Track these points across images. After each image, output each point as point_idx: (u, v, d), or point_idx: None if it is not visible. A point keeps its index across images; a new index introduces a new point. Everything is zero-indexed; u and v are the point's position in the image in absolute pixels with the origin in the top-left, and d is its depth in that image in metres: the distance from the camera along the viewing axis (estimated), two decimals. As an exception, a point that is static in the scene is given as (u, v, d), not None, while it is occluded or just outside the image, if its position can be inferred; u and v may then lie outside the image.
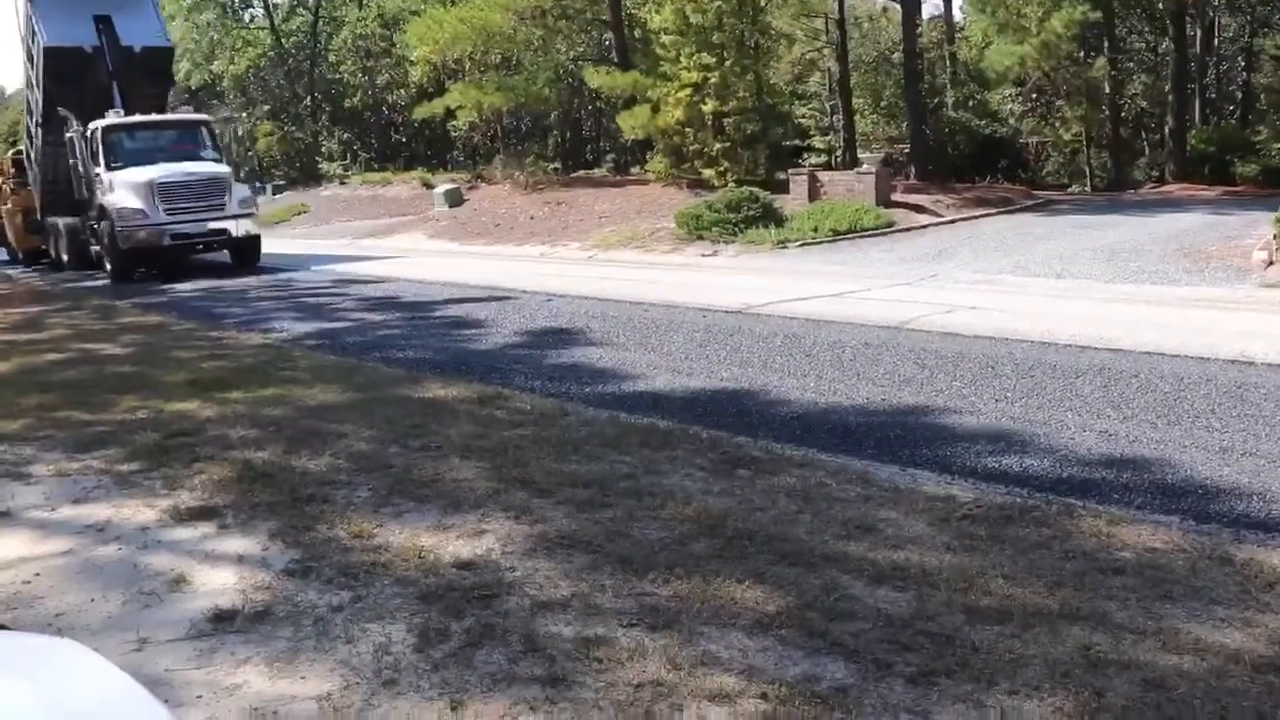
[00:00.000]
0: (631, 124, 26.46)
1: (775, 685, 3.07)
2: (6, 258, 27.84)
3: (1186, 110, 29.53)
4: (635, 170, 33.15)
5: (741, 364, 8.60)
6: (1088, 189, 29.63)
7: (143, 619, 3.71)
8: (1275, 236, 12.83)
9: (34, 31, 21.43)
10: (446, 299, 13.99)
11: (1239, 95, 33.50)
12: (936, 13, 34.88)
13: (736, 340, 9.69)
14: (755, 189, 20.89)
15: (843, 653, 3.27)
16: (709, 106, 23.77)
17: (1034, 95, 31.58)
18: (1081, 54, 29.53)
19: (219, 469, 5.55)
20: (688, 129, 24.47)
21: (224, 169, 20.76)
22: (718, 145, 24.03)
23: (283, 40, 48.70)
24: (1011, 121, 31.93)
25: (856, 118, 32.12)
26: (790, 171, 23.20)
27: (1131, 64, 33.28)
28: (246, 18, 51.58)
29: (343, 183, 41.22)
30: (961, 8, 32.11)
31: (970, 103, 30.54)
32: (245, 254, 20.42)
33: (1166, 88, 30.14)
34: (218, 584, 4.01)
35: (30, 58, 22.36)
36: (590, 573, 3.96)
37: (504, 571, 4.01)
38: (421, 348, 10.20)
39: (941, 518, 4.51)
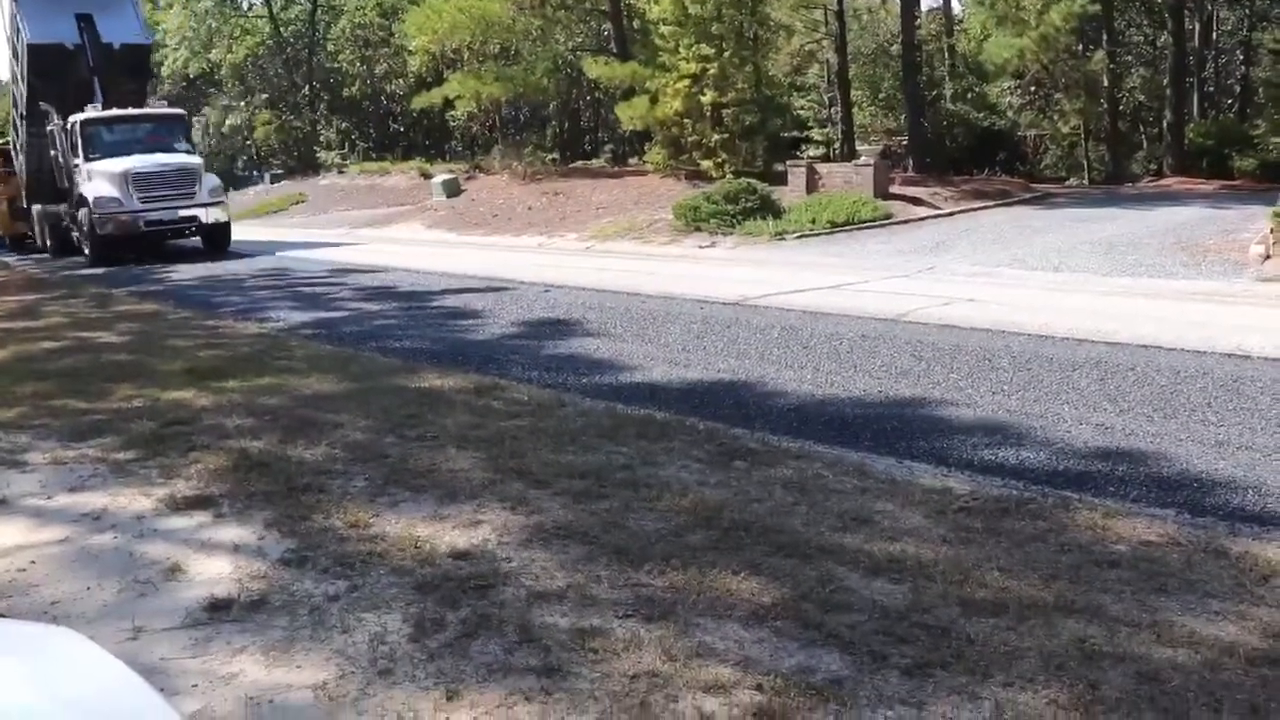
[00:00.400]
0: (630, 115, 26.41)
1: (770, 676, 3.07)
2: None
3: (1185, 104, 29.51)
4: (633, 161, 33.10)
5: (738, 355, 8.60)
6: (1086, 182, 29.61)
7: (138, 607, 3.71)
8: (1272, 230, 12.84)
9: (18, 29, 22.48)
10: (444, 289, 13.98)
11: (1237, 89, 33.48)
12: (935, 5, 34.88)
13: (733, 332, 9.69)
14: (753, 180, 20.86)
15: (838, 644, 3.27)
16: (707, 98, 23.73)
17: (1032, 88, 31.55)
18: (1080, 47, 29.50)
19: (215, 458, 5.54)
20: (686, 120, 24.42)
21: (195, 160, 21.92)
22: (716, 137, 23.99)
23: (281, 29, 48.54)
24: (1010, 114, 31.91)
25: (855, 110, 32.09)
26: (788, 163, 23.18)
27: (1130, 57, 33.25)
28: (245, 6, 51.49)
29: (341, 172, 41.15)
30: (960, 0, 32.09)
31: (969, 95, 30.52)
32: (216, 240, 21.67)
33: (1165, 81, 30.11)
34: (213, 573, 4.01)
35: (15, 54, 23.44)
36: (586, 563, 3.96)
37: (500, 562, 4.02)
38: (418, 337, 10.19)
39: (938, 510, 4.51)
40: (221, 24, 49.01)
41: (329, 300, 13.63)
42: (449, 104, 35.41)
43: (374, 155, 43.78)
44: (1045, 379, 7.32)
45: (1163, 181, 26.11)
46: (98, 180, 20.55)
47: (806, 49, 35.67)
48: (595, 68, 28.62)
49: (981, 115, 30.46)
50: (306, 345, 9.72)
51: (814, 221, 19.02)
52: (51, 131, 22.20)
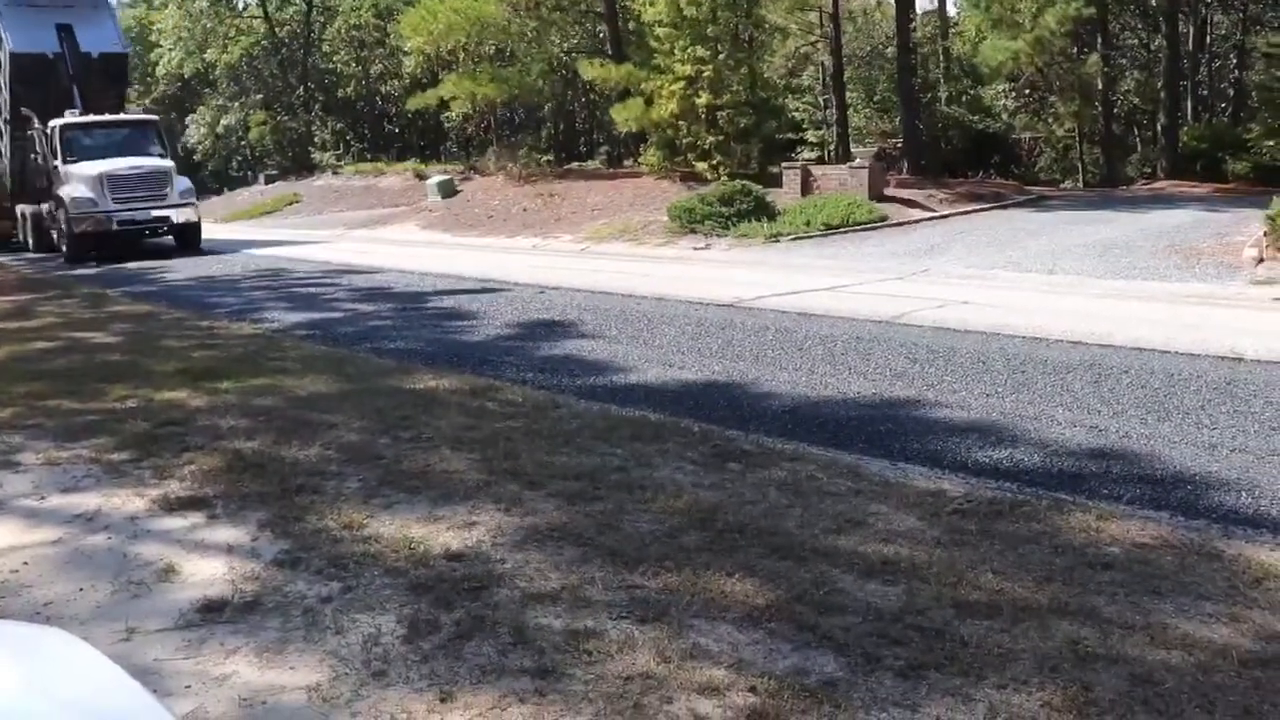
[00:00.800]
0: (625, 117, 26.39)
1: (764, 678, 3.07)
2: None
3: (1179, 107, 29.55)
4: (628, 163, 33.07)
5: (733, 357, 8.61)
6: (1080, 185, 29.66)
7: (131, 609, 3.70)
8: (1266, 234, 12.87)
9: (1, 39, 23.83)
10: (438, 290, 13.97)
11: (1231, 93, 33.52)
12: (930, 7, 34.91)
13: (728, 334, 9.69)
14: (748, 182, 20.88)
15: (832, 646, 3.28)
16: (703, 100, 23.72)
17: (1027, 91, 31.59)
18: (1075, 50, 29.53)
19: (209, 459, 5.54)
20: (681, 122, 24.40)
21: (167, 163, 22.99)
22: (711, 139, 23.98)
23: (276, 29, 48.41)
24: (1005, 117, 31.94)
25: (850, 112, 32.11)
26: (783, 165, 23.18)
27: (1124, 61, 33.32)
28: (240, 6, 51.31)
29: (336, 173, 41.07)
30: (955, 3, 32.13)
31: (963, 98, 30.56)
32: (187, 238, 22.64)
33: (1159, 85, 30.18)
34: (207, 574, 4.00)
35: None
36: (580, 565, 3.96)
37: (494, 563, 4.01)
38: (413, 339, 10.18)
39: (931, 512, 4.52)
40: (216, 24, 48.87)
41: (323, 301, 13.61)
42: (444, 105, 35.34)
43: (369, 156, 43.72)
44: (1039, 381, 7.34)
45: (1157, 184, 26.16)
46: (75, 182, 21.62)
47: (802, 51, 35.72)
48: (590, 69, 28.60)
49: (976, 118, 30.49)
50: (301, 346, 9.71)
51: (809, 223, 19.03)
52: (31, 136, 23.47)
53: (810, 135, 34.38)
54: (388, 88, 46.97)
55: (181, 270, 18.56)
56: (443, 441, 5.79)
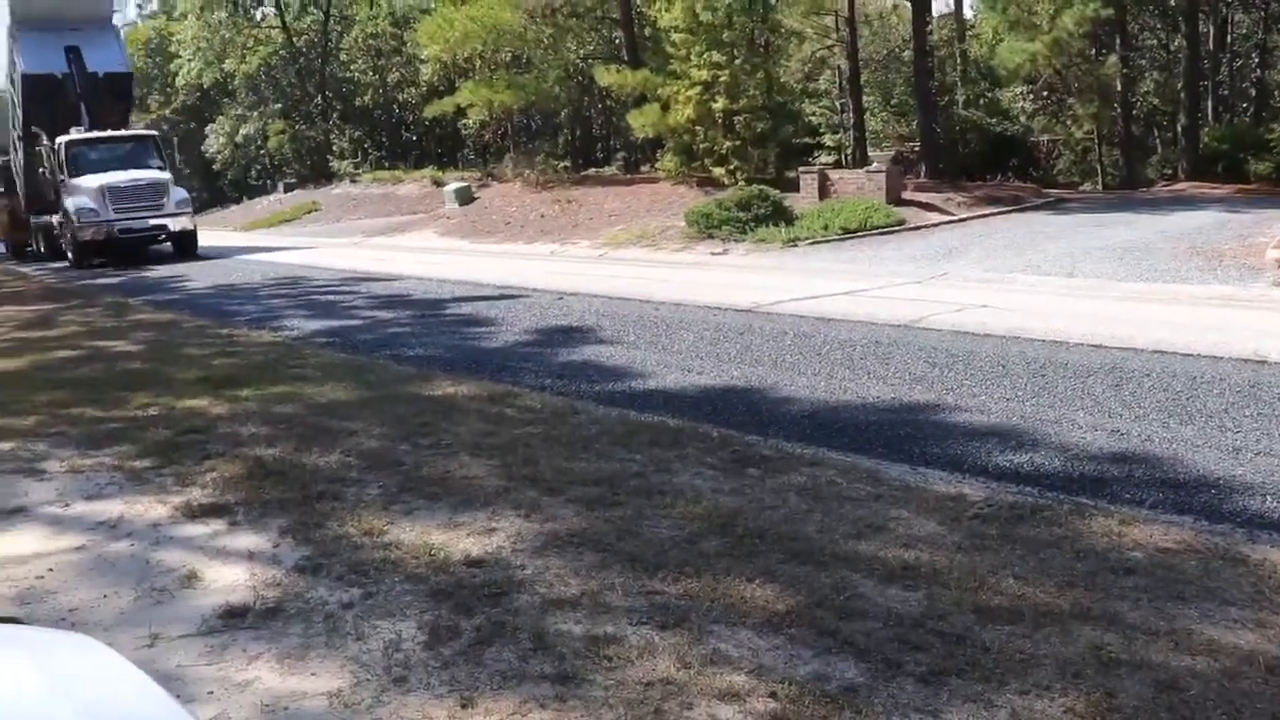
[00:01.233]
0: (641, 122, 26.42)
1: (785, 684, 3.07)
2: (2, 250, 32.38)
3: (1199, 108, 29.35)
4: (645, 169, 33.08)
5: (752, 362, 8.60)
6: (1099, 187, 29.48)
7: (154, 615, 3.73)
8: (1288, 235, 12.76)
9: (14, 62, 26.05)
10: (457, 297, 14.01)
11: (1252, 92, 33.26)
12: (947, 10, 34.77)
13: (746, 339, 9.68)
14: (765, 187, 20.87)
15: (853, 652, 3.27)
16: (719, 105, 23.73)
17: (1045, 93, 31.42)
18: (1093, 51, 29.37)
19: (230, 466, 5.57)
20: (698, 127, 24.42)
21: (165, 175, 24.50)
22: (728, 143, 23.98)
23: (294, 39, 48.75)
24: (1023, 119, 31.77)
25: (867, 116, 32.01)
26: (800, 170, 23.15)
27: (1144, 61, 33.11)
28: (258, 16, 51.66)
29: (354, 181, 41.29)
30: (972, 5, 32.03)
31: (981, 100, 30.42)
32: (183, 245, 24.18)
33: (1179, 85, 29.97)
34: (229, 580, 4.03)
35: (12, 82, 27.02)
36: (600, 571, 3.96)
37: (514, 569, 4.02)
38: (432, 346, 10.22)
39: (952, 517, 4.50)
40: (235, 34, 49.25)
41: (342, 308, 13.68)
42: (461, 112, 35.51)
43: (387, 164, 43.89)
44: (1059, 385, 7.30)
45: (1177, 186, 25.99)
46: (79, 194, 23.34)
47: (818, 55, 35.63)
48: (607, 75, 28.64)
49: (994, 120, 30.35)
50: (320, 353, 9.75)
51: (826, 228, 19.00)
52: (40, 151, 25.39)
53: (827, 139, 34.29)
54: (405, 96, 47.13)
55: (202, 279, 18.70)
56: (462, 448, 5.81)
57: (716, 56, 23.49)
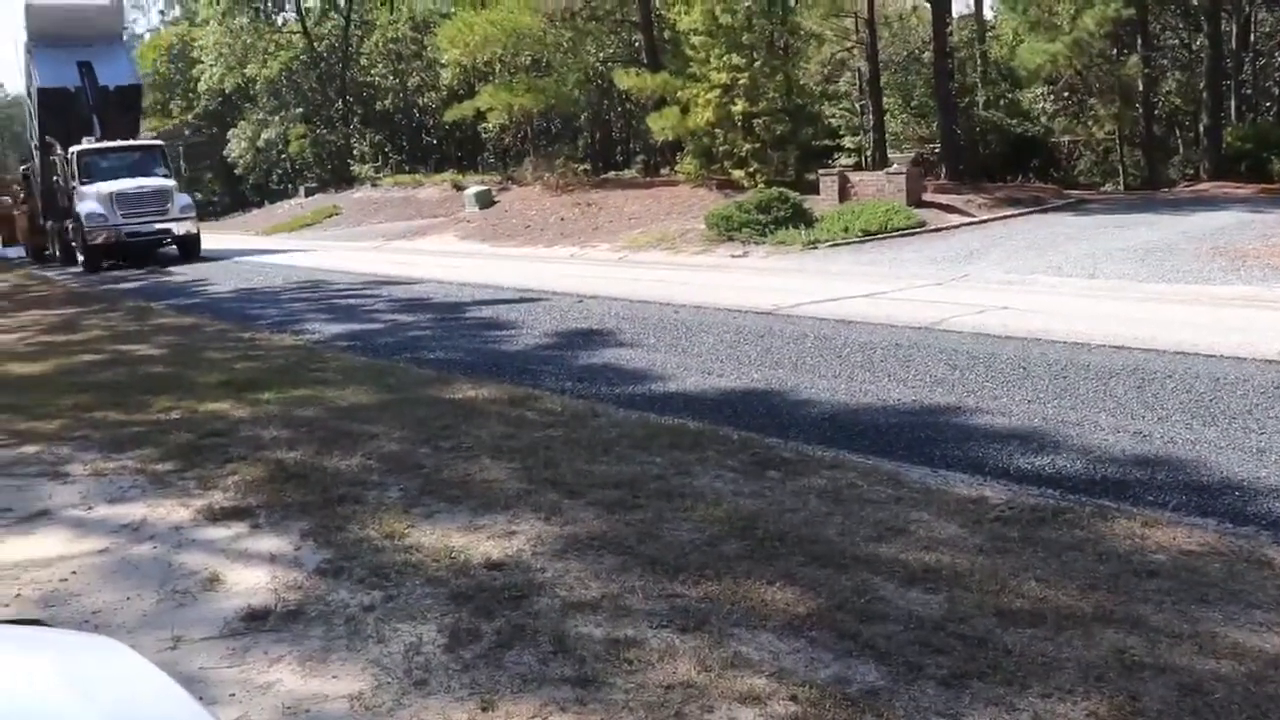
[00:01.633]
0: (661, 125, 26.41)
1: (806, 687, 3.06)
2: (23, 254, 33.35)
3: (1222, 107, 29.10)
4: (665, 172, 33.06)
5: (772, 365, 8.58)
6: (1121, 188, 29.27)
7: (177, 617, 3.75)
8: (1314, 235, 12.64)
9: (30, 76, 27.79)
10: (477, 300, 14.05)
11: (1276, 91, 32.98)
12: (967, 11, 34.61)
13: (767, 341, 9.67)
14: (785, 190, 20.82)
15: (874, 655, 3.26)
16: (739, 107, 23.70)
17: (1066, 94, 31.26)
18: (1114, 51, 29.18)
19: (252, 469, 5.60)
20: (717, 130, 24.39)
21: (170, 182, 26.09)
22: (747, 146, 23.94)
23: (315, 44, 49.02)
24: (1043, 120, 31.60)
25: (887, 117, 31.89)
26: (820, 172, 23.08)
27: (1165, 61, 32.86)
28: (279, 21, 51.98)
29: (374, 185, 41.47)
30: (992, 6, 31.89)
31: (1001, 102, 30.26)
32: (188, 248, 25.55)
33: (1201, 85, 29.72)
34: (251, 583, 4.05)
35: (29, 95, 28.95)
36: (620, 574, 3.96)
37: (534, 572, 4.02)
38: (452, 349, 10.24)
39: (973, 519, 4.48)
40: (256, 40, 49.56)
41: (363, 312, 13.73)
42: (481, 116, 35.58)
43: (407, 168, 44.05)
44: (1081, 387, 7.25)
45: (1199, 186, 25.77)
46: (89, 200, 24.70)
47: (837, 57, 35.56)
48: (626, 79, 28.64)
49: (1015, 121, 30.19)
50: (341, 357, 9.80)
51: (846, 230, 18.95)
52: (53, 160, 27.18)
53: (847, 141, 34.19)
54: (425, 100, 47.30)
55: (223, 283, 18.82)
56: (483, 451, 5.82)
57: (736, 59, 23.47)
